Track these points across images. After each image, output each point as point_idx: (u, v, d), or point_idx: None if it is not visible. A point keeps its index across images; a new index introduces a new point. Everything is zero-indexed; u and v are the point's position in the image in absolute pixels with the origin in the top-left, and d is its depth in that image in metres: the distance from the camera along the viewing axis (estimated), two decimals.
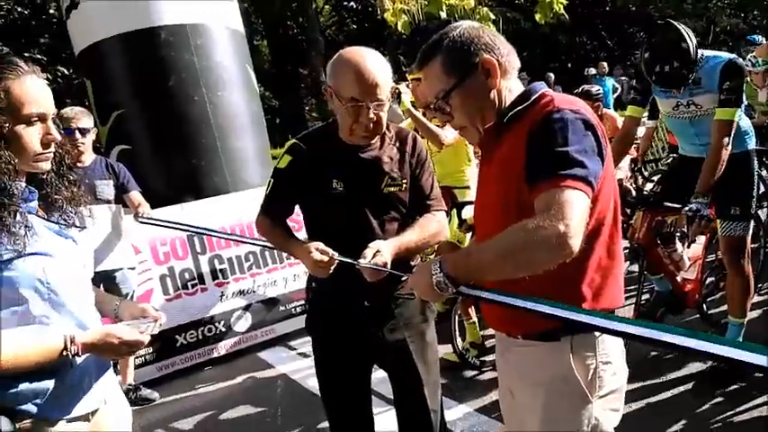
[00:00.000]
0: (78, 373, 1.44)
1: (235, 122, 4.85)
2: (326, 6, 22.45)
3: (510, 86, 1.44)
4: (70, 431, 1.42)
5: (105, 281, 3.55)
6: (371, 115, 1.79)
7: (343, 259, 1.75)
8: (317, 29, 17.76)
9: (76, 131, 3.45)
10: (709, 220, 2.78)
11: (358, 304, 1.92)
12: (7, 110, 1.33)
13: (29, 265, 1.34)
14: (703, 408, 2.78)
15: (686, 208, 2.78)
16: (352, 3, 22.45)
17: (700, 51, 2.85)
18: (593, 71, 12.96)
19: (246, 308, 4.42)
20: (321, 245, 1.78)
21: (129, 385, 3.74)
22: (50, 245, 1.41)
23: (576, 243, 1.17)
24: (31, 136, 1.38)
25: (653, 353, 3.32)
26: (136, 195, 3.66)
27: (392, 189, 1.93)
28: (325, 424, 2.98)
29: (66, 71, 11.78)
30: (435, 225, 1.96)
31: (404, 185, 1.95)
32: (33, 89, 1.37)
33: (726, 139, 2.81)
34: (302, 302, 4.58)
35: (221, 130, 4.71)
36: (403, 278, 1.53)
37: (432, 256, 2.03)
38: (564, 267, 1.22)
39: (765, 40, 6.03)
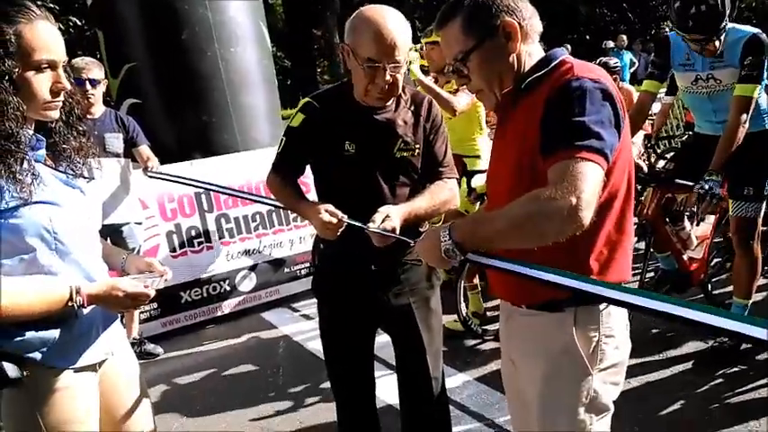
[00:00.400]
0: (85, 323, 1.45)
1: (246, 79, 4.78)
2: None
3: (530, 51, 1.40)
4: (76, 381, 1.44)
5: (112, 234, 3.57)
6: (388, 77, 1.75)
7: (352, 222, 1.73)
8: None
9: (87, 82, 3.42)
10: (720, 199, 2.75)
11: (365, 268, 1.92)
12: (17, 54, 1.29)
13: (35, 214, 1.33)
14: (703, 388, 2.79)
15: (698, 186, 2.74)
16: None
17: (725, 21, 2.77)
18: (611, 44, 12.70)
19: (252, 268, 4.45)
20: (331, 206, 1.76)
21: (134, 339, 3.79)
22: (58, 194, 1.40)
23: (587, 216, 1.15)
24: (41, 83, 1.35)
25: (654, 330, 3.33)
26: (145, 150, 3.65)
27: (405, 153, 1.91)
28: (326, 385, 3.05)
29: (78, 21, 11.63)
30: (447, 193, 1.94)
31: (417, 150, 1.92)
32: (45, 35, 1.34)
33: (743, 116, 2.76)
34: (307, 265, 4.61)
35: (233, 86, 4.65)
36: (411, 244, 1.52)
37: (439, 224, 2.02)
38: (573, 239, 1.20)
39: None
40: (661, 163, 4.85)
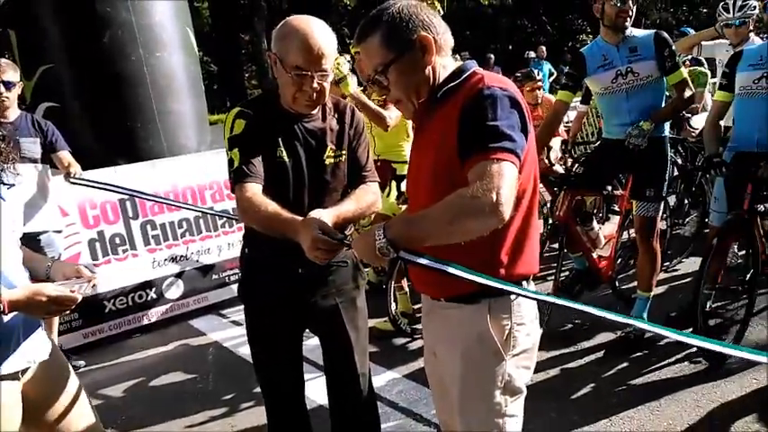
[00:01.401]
0: (4, 332, 1.44)
1: (173, 85, 4.72)
2: None
3: (444, 63, 1.51)
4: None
5: (29, 243, 3.35)
6: (315, 85, 1.80)
7: (342, 238, 1.61)
8: None
9: (1, 85, 3.28)
10: (640, 144, 3.05)
11: (293, 272, 1.94)
12: None
13: None
14: (610, 372, 3.04)
15: (627, 131, 3.04)
16: None
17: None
18: (532, 54, 13.29)
19: (179, 275, 4.37)
20: (325, 223, 1.63)
21: None
22: None
23: (506, 210, 1.26)
24: None
25: (568, 325, 3.57)
26: (65, 155, 3.52)
27: (333, 160, 1.97)
28: (257, 390, 3.07)
29: None
30: (371, 196, 2.01)
31: (343, 156, 1.99)
32: None
33: (688, 92, 3.13)
34: (235, 271, 4.58)
35: (158, 91, 4.58)
36: (347, 243, 1.54)
37: (367, 227, 2.10)
38: (486, 236, 1.32)
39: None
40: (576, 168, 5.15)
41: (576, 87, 3.40)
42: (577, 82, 3.35)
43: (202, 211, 4.36)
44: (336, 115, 2.00)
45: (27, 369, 1.53)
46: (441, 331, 1.61)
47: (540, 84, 5.28)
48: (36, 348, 1.55)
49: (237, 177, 1.83)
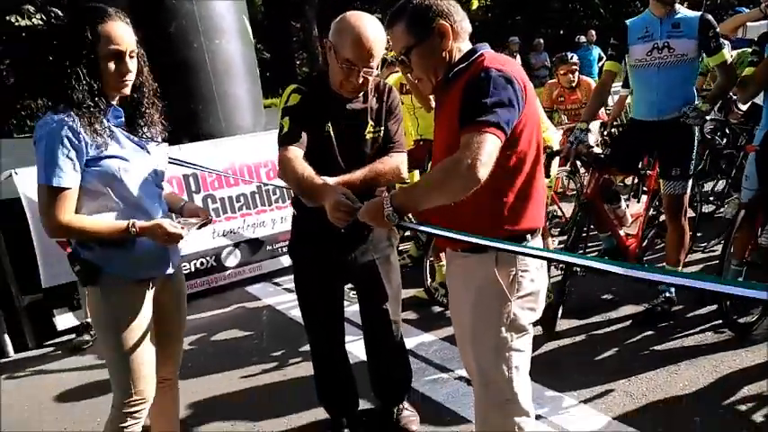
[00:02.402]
0: (142, 250, 1.90)
1: (231, 70, 5.08)
2: None
3: (460, 47, 1.72)
4: (135, 288, 1.92)
5: None
6: (361, 78, 2.06)
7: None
8: None
9: None
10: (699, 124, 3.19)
11: (336, 231, 2.18)
12: (95, 46, 1.73)
13: (110, 164, 1.79)
14: (634, 340, 3.22)
15: (683, 110, 3.17)
16: None
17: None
18: (582, 39, 13.13)
19: (236, 245, 4.75)
20: (348, 191, 1.86)
21: None
22: (129, 152, 1.86)
23: (482, 173, 1.48)
24: (112, 67, 1.76)
25: (596, 297, 3.74)
26: None
27: (373, 135, 2.24)
28: (305, 348, 3.40)
29: (60, 13, 11.71)
30: (388, 164, 2.21)
31: (382, 131, 2.26)
32: (117, 30, 1.76)
33: (731, 72, 3.27)
34: (287, 243, 4.92)
35: (218, 76, 4.95)
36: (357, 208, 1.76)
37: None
38: (490, 195, 1.58)
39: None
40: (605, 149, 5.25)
41: (621, 57, 3.49)
42: (621, 52, 3.46)
43: (267, 185, 4.74)
44: (377, 95, 2.25)
45: (156, 279, 1.99)
46: (458, 277, 1.86)
47: (574, 68, 5.38)
48: (163, 264, 2.00)
49: (283, 141, 2.09)
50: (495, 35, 15.39)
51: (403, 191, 1.70)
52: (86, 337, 3.86)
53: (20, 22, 11.71)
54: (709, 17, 3.26)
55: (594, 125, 5.35)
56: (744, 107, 4.94)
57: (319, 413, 2.70)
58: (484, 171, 1.49)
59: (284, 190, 4.91)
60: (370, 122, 2.23)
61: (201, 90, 4.90)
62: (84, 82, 1.73)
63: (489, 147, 1.50)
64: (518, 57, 12.23)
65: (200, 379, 3.27)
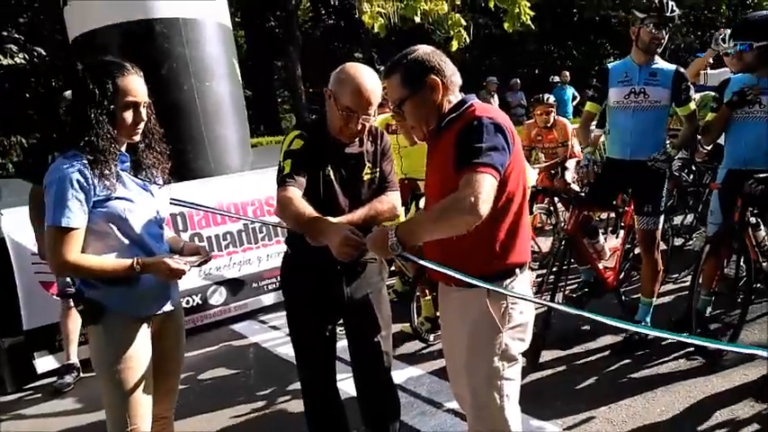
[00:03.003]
0: (145, 287, 1.99)
1: (220, 111, 5.24)
2: (305, 1, 22.71)
3: (450, 99, 1.88)
4: (136, 325, 2.00)
5: None
6: (359, 125, 2.20)
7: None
8: (295, 24, 18.05)
9: None
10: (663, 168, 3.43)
11: (332, 269, 2.31)
12: (112, 97, 1.89)
13: (116, 205, 1.90)
14: (612, 368, 3.36)
15: (653, 155, 3.39)
16: None
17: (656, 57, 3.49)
18: (556, 79, 13.63)
19: (221, 283, 4.81)
20: (353, 227, 2.00)
21: None
22: (134, 194, 1.98)
23: (484, 209, 1.61)
24: (127, 117, 1.92)
25: (576, 329, 3.88)
26: None
27: (370, 176, 2.37)
28: (294, 386, 3.45)
29: (42, 51, 11.84)
30: (386, 203, 2.35)
31: (377, 172, 2.39)
32: (132, 84, 1.93)
33: (695, 122, 3.56)
34: (273, 280, 5.00)
35: (207, 117, 5.10)
36: (364, 238, 1.93)
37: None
38: (484, 232, 1.71)
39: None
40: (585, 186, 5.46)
41: (602, 99, 3.74)
42: (602, 93, 3.70)
43: (263, 222, 4.83)
44: (371, 138, 2.39)
45: (157, 316, 2.07)
46: (452, 312, 1.98)
47: (551, 109, 5.62)
48: (164, 300, 2.08)
49: (283, 181, 2.18)
50: (474, 75, 15.86)
51: (406, 224, 1.82)
52: (68, 380, 3.82)
53: (2, 60, 11.87)
54: (683, 71, 3.53)
55: (571, 163, 5.60)
56: (708, 147, 5.22)
57: None
58: (485, 207, 1.62)
59: (270, 228, 5.01)
60: (368, 164, 2.35)
61: (191, 131, 5.04)
62: (106, 129, 1.88)
63: (488, 185, 1.64)
64: (496, 96, 12.63)
65: (190, 419, 3.26)
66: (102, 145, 1.87)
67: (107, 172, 1.88)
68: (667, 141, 3.58)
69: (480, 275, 1.78)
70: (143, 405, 2.01)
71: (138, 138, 2.00)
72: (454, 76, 1.89)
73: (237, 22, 20.81)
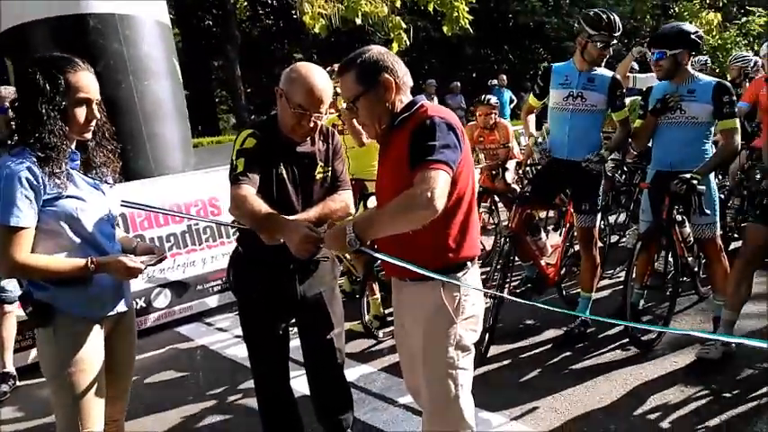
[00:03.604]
0: (97, 289, 1.93)
1: (160, 111, 5.10)
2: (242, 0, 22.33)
3: (402, 99, 1.94)
4: (88, 327, 1.94)
5: None
6: (311, 123, 2.23)
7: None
8: (233, 23, 17.72)
9: (9, 110, 3.61)
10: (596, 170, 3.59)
11: (285, 267, 2.34)
12: (65, 93, 1.83)
13: (67, 204, 1.84)
14: (555, 360, 3.52)
15: (587, 156, 3.56)
16: None
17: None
18: (494, 82, 14.02)
19: (166, 285, 4.70)
20: (311, 225, 2.05)
21: None
22: (85, 193, 1.91)
23: (439, 204, 1.67)
24: (80, 114, 1.85)
25: (521, 324, 4.04)
26: None
27: (322, 175, 2.39)
28: (244, 385, 3.42)
29: None
30: (338, 202, 2.39)
31: (328, 171, 2.42)
32: (84, 80, 1.86)
33: (628, 125, 3.77)
34: (218, 282, 4.92)
35: (147, 116, 4.95)
36: (321, 234, 1.97)
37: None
38: (437, 228, 1.78)
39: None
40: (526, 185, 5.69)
41: (542, 96, 3.95)
42: (543, 91, 3.91)
43: (217, 222, 4.78)
44: (322, 137, 2.42)
45: (109, 317, 2.01)
46: (407, 305, 2.04)
47: (493, 110, 5.80)
48: (117, 301, 2.03)
49: (236, 179, 2.18)
50: (413, 77, 15.99)
51: (364, 220, 1.86)
52: (3, 389, 3.65)
53: None
54: (619, 78, 3.77)
55: (511, 164, 5.79)
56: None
57: None
58: (440, 202, 1.68)
59: (215, 229, 4.93)
60: (320, 163, 2.38)
61: (131, 131, 4.88)
62: (58, 126, 1.81)
63: (442, 181, 1.70)
64: (435, 98, 12.85)
65: (140, 420, 3.21)
66: (54, 142, 1.81)
67: (57, 170, 1.82)
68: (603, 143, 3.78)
69: (435, 269, 1.84)
70: (95, 408, 1.96)
71: (89, 135, 1.94)
72: (406, 76, 1.94)
73: (172, 19, 20.24)
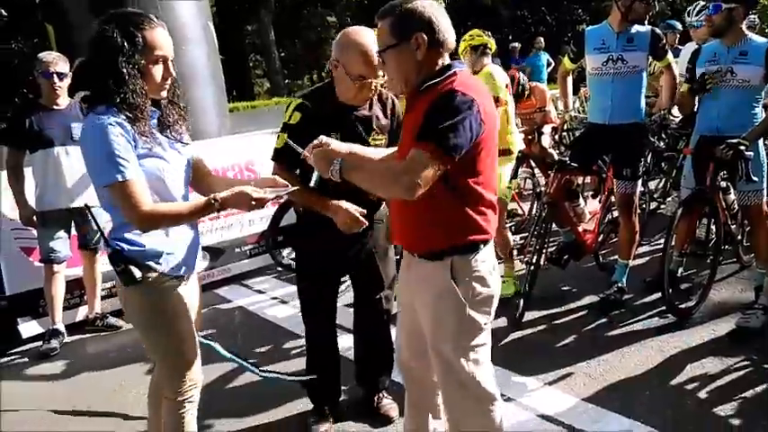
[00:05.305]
0: (182, 246, 1.94)
1: (196, 76, 5.14)
2: None
3: (438, 61, 1.78)
4: (178, 285, 1.95)
5: (78, 217, 3.86)
6: (372, 88, 2.25)
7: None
8: None
9: (54, 75, 3.69)
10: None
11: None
12: (143, 51, 1.78)
13: (153, 164, 1.84)
14: (591, 326, 3.51)
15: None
16: None
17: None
18: (516, 45, 13.63)
19: (205, 248, 4.81)
20: (351, 204, 2.19)
21: (97, 314, 4.10)
22: (167, 152, 1.90)
23: (418, 193, 1.64)
24: (157, 72, 1.83)
25: (558, 289, 4.01)
26: None
27: (377, 142, 2.38)
28: (286, 345, 3.51)
29: (3, 12, 11.34)
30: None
31: (384, 140, 2.41)
32: (161, 38, 1.84)
33: (673, 73, 3.78)
34: (255, 245, 5.02)
35: (183, 81, 4.94)
36: (305, 151, 1.94)
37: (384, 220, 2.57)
38: (448, 207, 1.77)
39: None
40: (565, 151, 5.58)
41: (577, 59, 3.86)
42: (577, 56, 3.82)
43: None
44: (380, 105, 2.42)
45: (190, 276, 2.02)
46: (416, 282, 1.95)
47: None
48: (196, 261, 2.04)
49: (275, 156, 2.34)
50: None
51: (352, 164, 1.81)
52: (54, 344, 3.82)
53: None
54: (658, 31, 3.64)
55: (547, 128, 5.67)
56: (677, 113, 5.37)
57: (298, 406, 2.85)
58: (419, 192, 1.65)
59: None
60: (376, 129, 2.38)
61: None
62: (139, 85, 1.77)
63: (432, 171, 1.64)
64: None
65: None
66: (138, 101, 1.76)
67: (145, 129, 1.79)
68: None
69: (443, 249, 1.83)
70: (193, 355, 1.99)
71: (165, 94, 1.90)
72: (447, 37, 1.78)
73: None
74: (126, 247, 1.86)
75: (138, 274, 1.83)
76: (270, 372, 2.86)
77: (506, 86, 3.99)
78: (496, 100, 3.85)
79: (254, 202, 1.85)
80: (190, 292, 2.06)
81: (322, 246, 2.45)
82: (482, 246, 1.86)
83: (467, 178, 1.76)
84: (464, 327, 1.86)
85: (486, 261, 1.88)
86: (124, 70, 1.74)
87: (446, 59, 1.81)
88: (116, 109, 1.76)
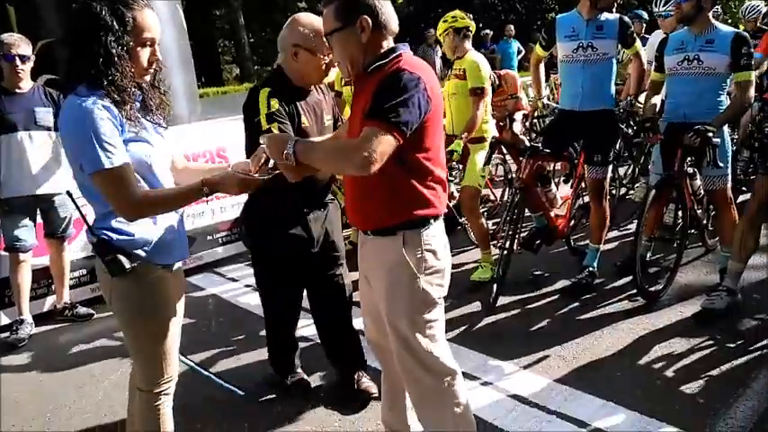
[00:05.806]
0: (169, 236, 1.88)
1: (165, 60, 4.97)
2: None
3: (383, 43, 1.83)
4: (165, 274, 1.90)
5: (44, 204, 3.76)
6: (324, 66, 2.35)
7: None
8: None
9: (17, 58, 3.56)
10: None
11: (299, 210, 2.51)
12: (133, 32, 1.71)
13: (139, 149, 1.78)
14: (564, 310, 3.58)
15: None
16: None
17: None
18: (487, 32, 13.72)
19: None
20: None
21: (65, 304, 4.00)
22: (151, 136, 1.84)
23: (374, 168, 1.65)
24: (143, 55, 1.75)
25: (531, 274, 4.08)
26: None
27: (330, 122, 2.52)
28: (261, 333, 3.48)
29: None
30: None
31: (331, 119, 2.55)
32: (149, 19, 1.75)
33: (640, 59, 3.81)
34: (227, 233, 4.96)
35: None
36: (261, 140, 1.85)
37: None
38: (398, 183, 1.80)
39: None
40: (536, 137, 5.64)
41: (548, 48, 3.92)
42: (549, 44, 3.89)
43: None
44: (321, 89, 2.56)
45: (174, 265, 1.96)
46: (370, 259, 1.99)
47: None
48: (183, 249, 1.99)
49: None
50: (416, 28, 15.74)
51: (304, 145, 1.81)
52: (22, 335, 3.72)
53: None
54: (626, 19, 3.70)
55: (518, 115, 5.73)
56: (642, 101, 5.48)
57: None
58: (375, 167, 1.66)
59: None
60: (327, 109, 2.53)
61: None
62: (129, 67, 1.70)
63: (385, 146, 1.66)
64: (438, 48, 12.58)
65: None
66: (126, 84, 1.70)
67: (132, 113, 1.72)
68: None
69: (394, 225, 1.86)
70: (173, 350, 1.94)
71: (148, 78, 1.83)
72: (390, 21, 1.83)
73: None
74: (114, 236, 1.80)
75: (127, 263, 1.77)
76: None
77: (489, 77, 4.00)
78: (481, 91, 3.87)
79: (243, 184, 1.81)
80: (177, 282, 2.01)
81: (279, 232, 2.52)
82: (432, 221, 1.90)
83: (416, 153, 1.80)
84: (417, 299, 1.89)
85: (436, 236, 1.92)
86: (113, 51, 1.67)
87: (390, 42, 1.86)
88: (103, 91, 1.69)
